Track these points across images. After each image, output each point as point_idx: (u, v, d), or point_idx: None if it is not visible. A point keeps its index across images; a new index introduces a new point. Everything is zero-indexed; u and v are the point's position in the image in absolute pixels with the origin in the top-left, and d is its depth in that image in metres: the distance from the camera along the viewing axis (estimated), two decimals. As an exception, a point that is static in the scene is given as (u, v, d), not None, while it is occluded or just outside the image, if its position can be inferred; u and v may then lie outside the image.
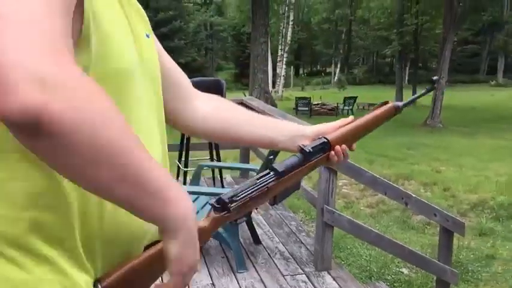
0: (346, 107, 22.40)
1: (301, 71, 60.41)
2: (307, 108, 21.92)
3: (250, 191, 0.84)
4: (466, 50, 45.57)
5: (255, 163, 5.37)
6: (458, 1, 16.10)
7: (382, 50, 40.02)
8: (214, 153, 4.48)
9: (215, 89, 3.97)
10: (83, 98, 0.52)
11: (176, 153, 4.44)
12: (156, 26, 35.25)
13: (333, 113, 22.68)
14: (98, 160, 0.53)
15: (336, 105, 22.99)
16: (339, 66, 48.89)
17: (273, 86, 32.61)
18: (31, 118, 0.48)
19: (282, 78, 35.01)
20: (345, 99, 22.70)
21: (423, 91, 1.20)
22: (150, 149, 0.62)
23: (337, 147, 1.00)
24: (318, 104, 23.53)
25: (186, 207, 0.64)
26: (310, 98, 23.03)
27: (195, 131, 1.04)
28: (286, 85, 39.20)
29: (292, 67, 48.78)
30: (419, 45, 29.97)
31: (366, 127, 1.07)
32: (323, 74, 53.27)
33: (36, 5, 0.54)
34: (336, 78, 45.81)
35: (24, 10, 0.53)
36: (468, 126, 16.94)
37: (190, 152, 4.51)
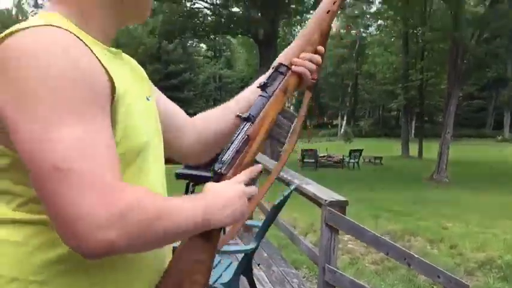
0: (352, 160, 22.42)
1: (308, 123, 60.95)
2: (313, 160, 21.94)
3: (233, 147, 0.91)
4: (472, 105, 45.96)
5: (255, 214, 5.35)
6: (462, 59, 16.43)
7: (388, 103, 40.53)
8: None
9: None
10: (142, 222, 0.67)
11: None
12: (166, 77, 36.17)
13: (339, 165, 22.66)
14: (157, 241, 0.74)
15: (341, 157, 23.02)
16: (345, 118, 49.39)
17: (280, 138, 32.78)
18: (104, 254, 0.66)
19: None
20: (351, 151, 22.76)
21: None
22: None
23: (295, 59, 1.01)
24: (324, 156, 23.56)
25: (208, 202, 0.80)
26: (316, 150, 23.11)
27: (199, 144, 1.10)
28: (293, 137, 39.36)
29: (299, 119, 49.12)
30: (425, 100, 30.30)
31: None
32: (329, 126, 53.69)
33: (93, 138, 0.68)
34: (342, 130, 46.13)
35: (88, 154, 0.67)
36: (475, 182, 16.81)
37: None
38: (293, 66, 1.01)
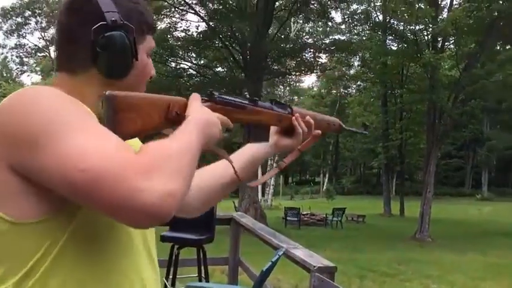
0: (335, 218, 22.35)
1: (290, 180, 61.04)
2: (296, 219, 21.80)
3: (233, 100, 1.07)
4: (451, 164, 46.75)
5: (243, 278, 5.26)
6: (440, 120, 16.92)
7: (369, 161, 40.96)
8: (202, 268, 4.41)
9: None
10: (171, 163, 0.77)
11: (164, 270, 4.35)
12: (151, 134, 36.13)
13: (321, 223, 22.55)
14: (190, 169, 0.82)
15: (325, 215, 22.94)
16: (327, 176, 49.66)
17: (263, 195, 32.75)
18: (176, 205, 0.76)
19: (271, 187, 35.28)
20: (334, 210, 22.74)
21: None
22: (140, 274, 0.92)
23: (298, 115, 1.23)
24: (306, 214, 23.45)
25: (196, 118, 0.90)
26: (299, 208, 23.02)
27: (196, 200, 1.17)
28: (276, 194, 39.40)
29: (281, 176, 49.39)
30: (405, 159, 30.77)
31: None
32: (312, 184, 53.81)
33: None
34: (324, 188, 46.24)
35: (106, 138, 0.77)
36: (457, 241, 16.84)
37: (178, 269, 4.43)
38: (296, 114, 1.23)
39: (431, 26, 15.62)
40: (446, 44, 16.56)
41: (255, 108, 1.14)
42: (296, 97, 51.45)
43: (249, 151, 1.25)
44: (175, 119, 0.91)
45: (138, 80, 0.96)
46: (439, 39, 16.11)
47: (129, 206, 0.70)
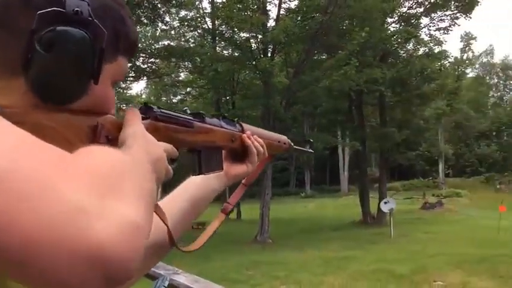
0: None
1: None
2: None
3: (177, 116, 0.81)
4: (277, 166, 49.94)
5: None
6: (273, 124, 17.62)
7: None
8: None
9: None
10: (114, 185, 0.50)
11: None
12: None
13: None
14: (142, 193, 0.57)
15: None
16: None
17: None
18: (139, 241, 0.49)
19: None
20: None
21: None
22: None
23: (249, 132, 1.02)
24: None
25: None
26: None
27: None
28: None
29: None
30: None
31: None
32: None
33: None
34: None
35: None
36: (294, 240, 17.73)
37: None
38: (247, 132, 1.02)
39: (262, 33, 16.19)
40: (275, 51, 17.33)
41: (204, 126, 0.89)
42: (125, 105, 49.53)
43: (195, 191, 0.98)
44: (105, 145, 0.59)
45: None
46: (269, 46, 16.79)
47: (67, 253, 0.40)
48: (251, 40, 16.98)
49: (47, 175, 0.41)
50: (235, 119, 1.04)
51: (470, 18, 20.79)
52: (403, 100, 20.55)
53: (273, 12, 18.82)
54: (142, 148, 0.63)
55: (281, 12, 17.58)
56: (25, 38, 0.56)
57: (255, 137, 1.04)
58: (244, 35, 17.46)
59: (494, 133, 49.78)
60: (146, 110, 0.76)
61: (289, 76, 16.74)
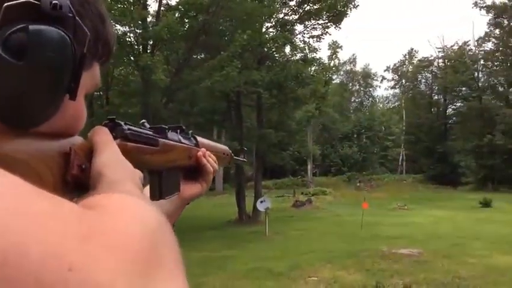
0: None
1: None
2: None
3: (143, 133, 0.72)
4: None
5: None
6: (153, 122, 17.12)
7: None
8: None
9: None
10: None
11: None
12: None
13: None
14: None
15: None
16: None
17: None
18: None
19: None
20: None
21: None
22: None
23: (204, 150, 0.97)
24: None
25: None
26: None
27: None
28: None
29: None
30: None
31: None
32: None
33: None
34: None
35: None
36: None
37: None
38: (202, 149, 0.96)
39: (142, 28, 15.64)
40: (156, 48, 16.86)
41: (168, 143, 0.81)
42: None
43: None
44: (80, 178, 0.51)
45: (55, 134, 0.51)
46: (149, 42, 16.28)
47: None
48: (130, 34, 16.31)
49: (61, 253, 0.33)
50: (190, 132, 0.97)
51: (340, 28, 22.37)
52: (279, 102, 21.39)
53: (152, 7, 18.29)
54: (134, 183, 0.52)
55: (161, 8, 17.16)
56: None
57: (209, 153, 0.97)
58: (122, 28, 16.70)
59: (355, 135, 54.21)
60: (113, 127, 0.65)
61: (170, 74, 16.41)
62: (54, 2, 0.45)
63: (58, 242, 0.33)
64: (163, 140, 0.78)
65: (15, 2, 0.42)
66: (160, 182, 0.82)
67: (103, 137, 0.56)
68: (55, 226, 0.33)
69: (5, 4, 0.42)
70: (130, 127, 0.69)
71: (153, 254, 0.38)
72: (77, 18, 0.48)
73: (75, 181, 0.50)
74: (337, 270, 10.69)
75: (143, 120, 0.81)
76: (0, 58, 0.42)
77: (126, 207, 0.42)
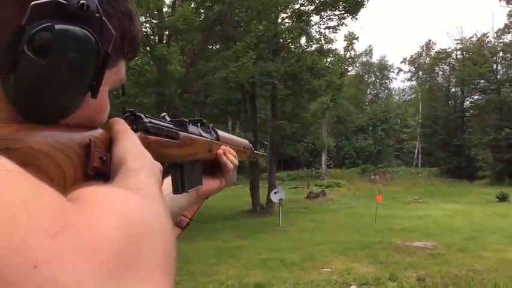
0: None
1: None
2: None
3: (164, 126, 0.72)
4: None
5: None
6: (168, 112, 17.16)
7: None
8: None
9: None
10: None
11: None
12: None
13: None
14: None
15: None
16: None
17: None
18: None
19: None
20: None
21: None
22: None
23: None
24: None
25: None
26: None
27: None
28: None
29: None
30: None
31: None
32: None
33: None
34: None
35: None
36: (187, 230, 17.57)
37: None
38: (222, 146, 0.96)
39: (158, 18, 15.69)
40: (171, 38, 16.90)
41: (189, 137, 0.82)
42: None
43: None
44: (100, 170, 0.50)
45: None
46: (165, 33, 16.32)
47: None
48: (146, 25, 16.36)
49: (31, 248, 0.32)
50: (211, 125, 0.96)
51: (356, 19, 22.16)
52: (294, 94, 21.31)
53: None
54: (153, 173, 0.51)
55: (177, -2, 17.17)
56: (8, 33, 0.42)
57: (229, 149, 0.97)
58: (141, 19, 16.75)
59: (370, 128, 53.88)
60: (134, 120, 0.66)
61: (186, 65, 16.44)
62: (81, 1, 0.45)
63: (25, 237, 0.32)
64: (184, 133, 0.79)
65: (42, 0, 0.43)
66: (182, 175, 0.83)
67: (122, 126, 0.57)
68: (25, 220, 0.32)
69: (33, 2, 0.42)
70: (152, 120, 0.69)
71: (128, 254, 0.37)
72: (103, 18, 0.48)
73: (97, 173, 0.50)
74: (351, 262, 10.69)
75: (164, 114, 0.81)
76: (25, 55, 0.42)
77: (108, 203, 0.41)
